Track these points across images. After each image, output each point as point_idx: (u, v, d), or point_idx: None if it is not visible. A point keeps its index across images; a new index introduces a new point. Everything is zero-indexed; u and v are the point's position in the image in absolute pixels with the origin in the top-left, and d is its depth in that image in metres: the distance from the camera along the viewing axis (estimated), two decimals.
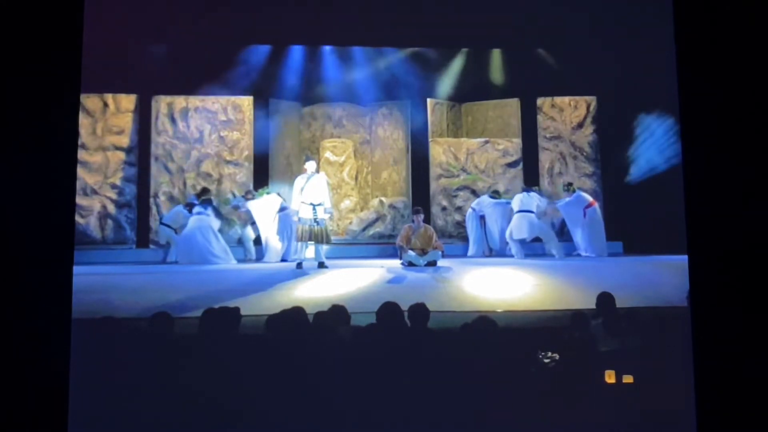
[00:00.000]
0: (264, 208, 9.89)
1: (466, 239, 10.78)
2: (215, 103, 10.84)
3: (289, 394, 3.52)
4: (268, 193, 10.10)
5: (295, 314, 4.23)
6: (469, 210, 10.72)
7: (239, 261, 9.68)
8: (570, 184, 10.57)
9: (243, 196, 10.27)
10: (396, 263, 8.81)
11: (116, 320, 4.44)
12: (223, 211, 10.04)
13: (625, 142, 11.11)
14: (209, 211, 9.49)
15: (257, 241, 10.11)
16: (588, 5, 9.60)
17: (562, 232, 10.67)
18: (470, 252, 10.52)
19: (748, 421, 2.46)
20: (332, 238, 9.27)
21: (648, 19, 8.34)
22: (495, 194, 10.65)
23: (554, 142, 11.44)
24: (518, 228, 9.78)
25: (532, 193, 10.23)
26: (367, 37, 10.98)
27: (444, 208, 11.25)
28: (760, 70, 2.54)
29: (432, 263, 8.68)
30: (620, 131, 11.09)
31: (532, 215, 9.87)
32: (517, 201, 10.05)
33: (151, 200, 10.49)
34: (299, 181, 8.75)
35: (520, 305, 6.36)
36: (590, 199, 10.37)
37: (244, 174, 10.78)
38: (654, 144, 10.74)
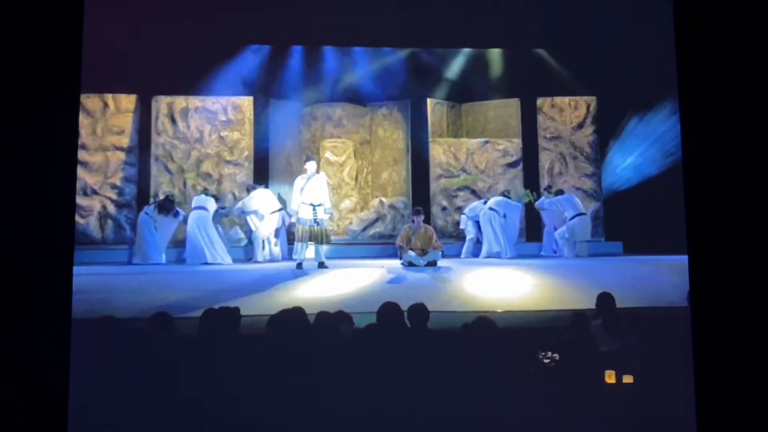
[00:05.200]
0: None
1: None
2: (215, 103, 10.83)
3: (289, 394, 3.52)
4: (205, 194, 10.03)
5: (295, 314, 4.23)
6: (487, 210, 10.15)
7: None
8: (549, 186, 10.81)
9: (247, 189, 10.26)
10: (396, 263, 8.81)
11: (116, 320, 4.43)
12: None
13: (626, 142, 11.12)
14: (149, 209, 9.67)
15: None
16: (588, 5, 9.59)
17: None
18: (487, 252, 10.03)
19: (747, 421, 2.46)
20: (332, 238, 9.28)
21: (648, 19, 8.33)
22: (507, 195, 10.48)
23: (554, 143, 11.43)
24: (585, 229, 10.15)
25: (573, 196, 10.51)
26: (367, 37, 10.97)
27: (444, 209, 11.24)
28: (760, 70, 2.54)
29: (432, 263, 8.69)
30: (620, 131, 11.09)
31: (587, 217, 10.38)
32: (570, 204, 10.20)
33: (151, 200, 10.47)
34: (299, 181, 8.75)
35: (520, 305, 6.36)
36: None
37: (244, 174, 10.76)
38: (654, 144, 10.75)
